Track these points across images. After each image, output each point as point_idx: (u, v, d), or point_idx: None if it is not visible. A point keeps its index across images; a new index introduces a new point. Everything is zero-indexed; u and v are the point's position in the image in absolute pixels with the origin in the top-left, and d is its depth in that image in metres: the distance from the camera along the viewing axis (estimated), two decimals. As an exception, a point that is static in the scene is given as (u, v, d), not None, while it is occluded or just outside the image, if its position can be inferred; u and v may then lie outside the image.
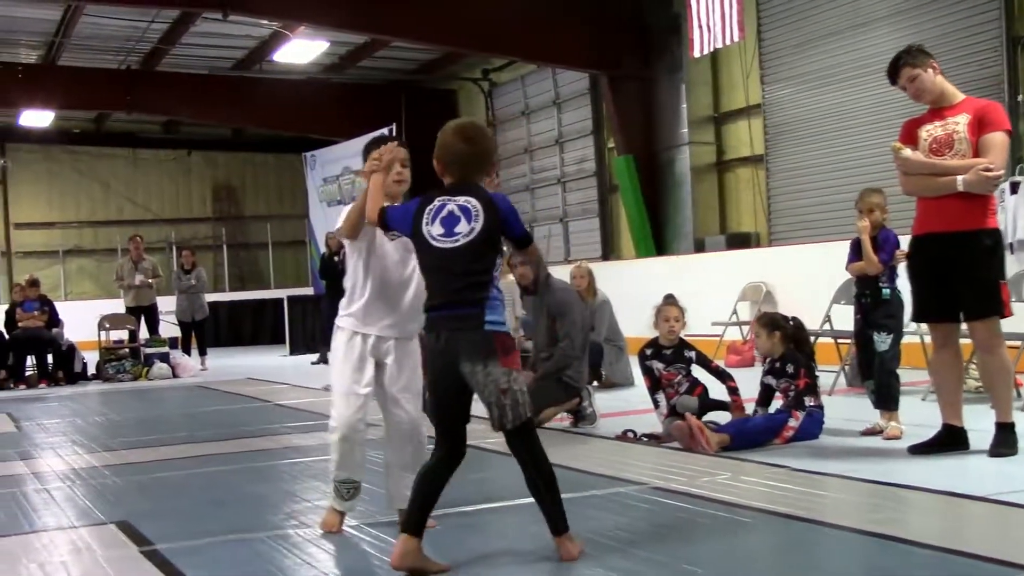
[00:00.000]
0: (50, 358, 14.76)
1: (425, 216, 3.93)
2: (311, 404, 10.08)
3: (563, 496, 5.15)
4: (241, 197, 26.63)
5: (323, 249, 18.62)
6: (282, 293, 21.09)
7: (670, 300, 7.31)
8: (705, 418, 6.59)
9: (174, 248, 23.64)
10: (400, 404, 4.55)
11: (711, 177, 16.03)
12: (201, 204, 26.38)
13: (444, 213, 3.92)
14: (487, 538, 4.68)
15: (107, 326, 15.78)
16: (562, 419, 7.77)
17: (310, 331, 18.13)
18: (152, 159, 25.84)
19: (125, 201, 25.53)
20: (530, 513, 5.01)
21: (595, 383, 9.33)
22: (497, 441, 7.07)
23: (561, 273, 8.51)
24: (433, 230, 3.89)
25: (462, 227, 3.88)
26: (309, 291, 21.38)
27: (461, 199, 3.93)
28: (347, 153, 21.42)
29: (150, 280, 15.88)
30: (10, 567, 4.30)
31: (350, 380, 4.51)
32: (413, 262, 4.34)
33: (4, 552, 4.62)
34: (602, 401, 8.12)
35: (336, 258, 16.47)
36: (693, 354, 6.96)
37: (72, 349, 14.83)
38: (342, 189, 21.68)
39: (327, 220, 21.69)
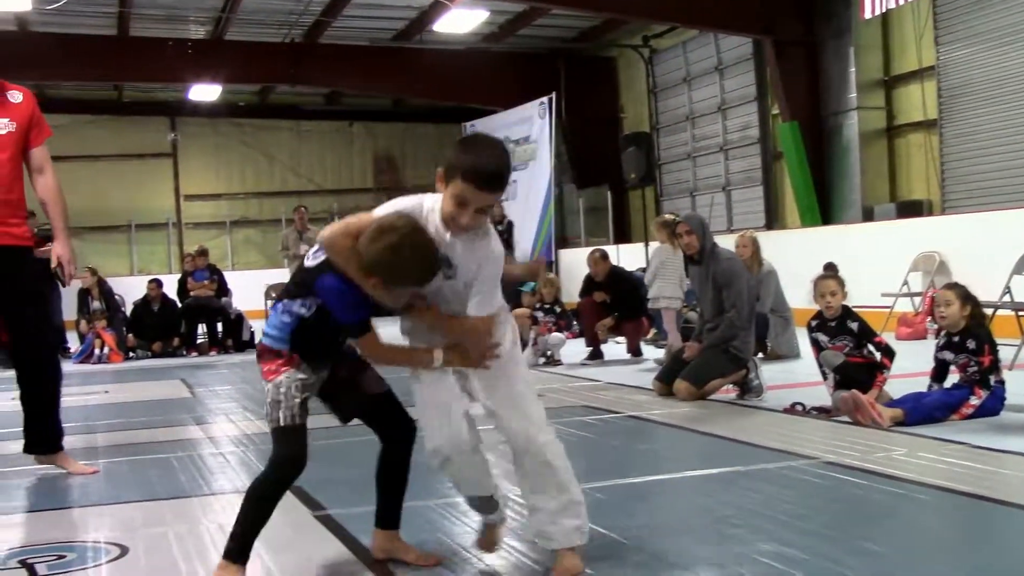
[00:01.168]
0: (220, 326, 15.20)
1: None
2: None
3: (733, 469, 5.09)
4: (402, 167, 26.98)
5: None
6: (443, 262, 21.31)
7: (826, 273, 7.09)
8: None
9: (336, 218, 24.03)
10: (499, 417, 3.60)
11: (880, 143, 15.54)
12: (362, 174, 26.81)
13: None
14: (653, 508, 4.61)
15: (273, 295, 16.15)
16: (728, 391, 7.64)
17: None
18: (315, 130, 26.34)
19: (289, 172, 26.11)
20: (696, 485, 4.95)
21: (760, 355, 9.13)
22: (663, 413, 7.04)
23: (724, 243, 8.33)
24: None
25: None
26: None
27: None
28: (507, 122, 21.48)
29: (315, 250, 16.17)
30: (191, 527, 4.42)
31: (432, 390, 3.57)
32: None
33: (185, 513, 4.75)
34: (768, 373, 7.95)
35: (499, 226, 16.54)
36: (856, 325, 6.72)
37: (240, 318, 15.23)
38: (501, 159, 21.78)
39: (487, 190, 21.84)
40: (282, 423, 3.45)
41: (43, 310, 5.82)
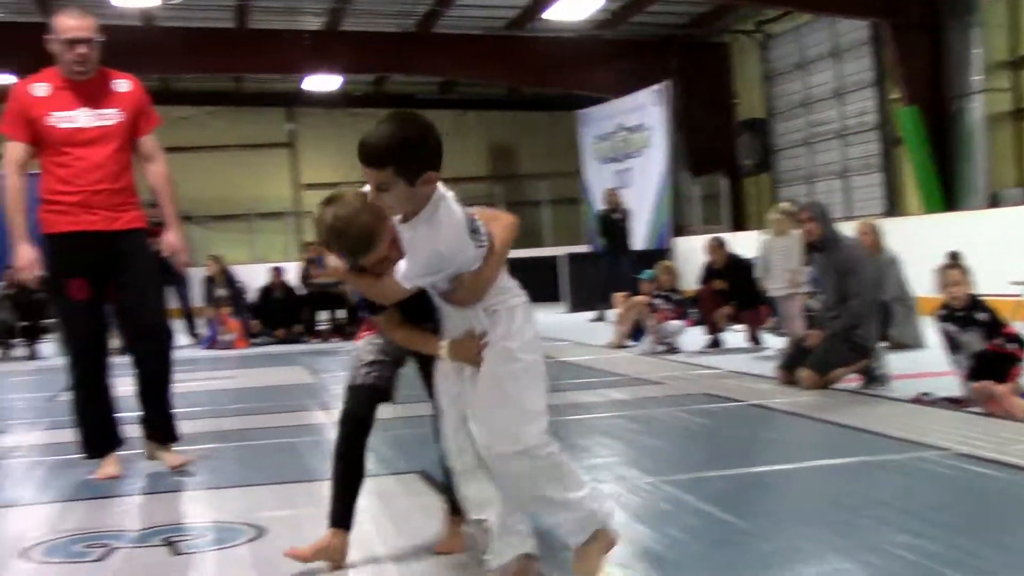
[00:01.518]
0: (341, 313, 15.44)
1: None
2: (593, 361, 10.17)
3: (859, 459, 5.04)
4: (516, 156, 27.07)
5: (599, 206, 18.71)
6: (558, 250, 21.31)
7: (949, 263, 6.93)
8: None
9: (452, 207, 24.21)
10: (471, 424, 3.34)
11: (1006, 126, 15.12)
12: (477, 163, 26.95)
13: None
14: (780, 498, 4.58)
15: (390, 283, 16.35)
16: (851, 380, 7.53)
17: (588, 288, 18.23)
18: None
19: (404, 162, 26.35)
20: (823, 475, 4.91)
21: (885, 344, 8.97)
22: (786, 401, 6.97)
23: (843, 230, 8.20)
24: None
25: None
26: (586, 248, 21.52)
27: None
28: (620, 110, 21.41)
29: (432, 238, 16.31)
30: (322, 509, 4.51)
31: (439, 392, 3.50)
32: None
33: (317, 496, 4.85)
34: (893, 362, 7.82)
35: (615, 214, 16.51)
36: (985, 316, 6.54)
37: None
38: (616, 146, 21.69)
39: (601, 177, 21.79)
40: (349, 382, 3.68)
41: (158, 296, 5.76)
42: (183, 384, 9.87)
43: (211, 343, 14.28)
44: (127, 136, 5.45)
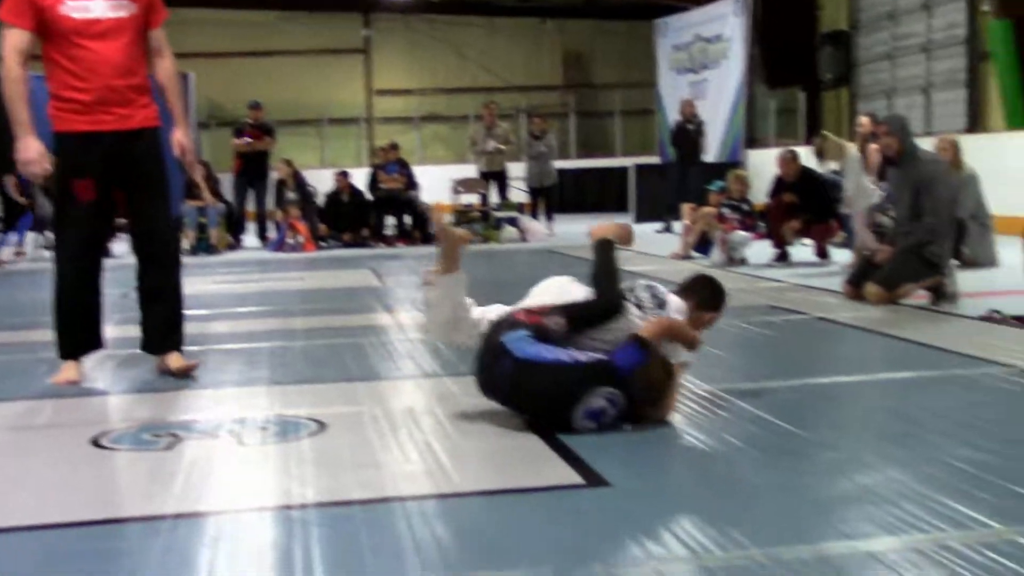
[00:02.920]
0: (408, 219, 15.51)
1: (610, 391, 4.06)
2: (658, 271, 10.09)
3: (924, 373, 4.99)
4: (591, 65, 26.76)
5: (673, 117, 18.49)
6: (628, 161, 21.14)
7: None
8: None
9: (524, 116, 24.10)
10: None
11: (1098, 42, 14.62)
12: (552, 72, 26.69)
13: (602, 406, 4.04)
14: (842, 409, 4.56)
15: (460, 190, 16.39)
16: (920, 296, 7.43)
17: (656, 199, 18.10)
18: (506, 27, 26.29)
19: (479, 69, 26.18)
20: (886, 388, 4.87)
21: (956, 261, 8.82)
22: (852, 315, 6.90)
23: (922, 147, 8.02)
24: (593, 401, 4.02)
25: (586, 421, 4.03)
26: (656, 159, 21.32)
27: (614, 409, 4.07)
28: (699, 19, 21.02)
29: (502, 146, 16.29)
30: (384, 407, 4.58)
31: None
32: None
33: (378, 394, 4.93)
34: (963, 280, 7.69)
35: (690, 125, 16.32)
36: None
37: (428, 211, 15.51)
38: (693, 56, 21.33)
39: (677, 88, 21.49)
40: None
41: (163, 196, 5.44)
42: (253, 284, 10.04)
43: (279, 246, 14.44)
44: (139, 30, 5.24)
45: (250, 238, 15.59)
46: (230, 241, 15.08)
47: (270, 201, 15.46)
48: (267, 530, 3.06)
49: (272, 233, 15.17)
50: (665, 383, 4.04)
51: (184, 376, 5.35)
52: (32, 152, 5.07)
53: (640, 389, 3.97)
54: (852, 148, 10.05)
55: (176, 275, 5.49)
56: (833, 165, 10.27)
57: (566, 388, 3.96)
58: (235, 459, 3.89)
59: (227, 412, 4.58)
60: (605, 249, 4.50)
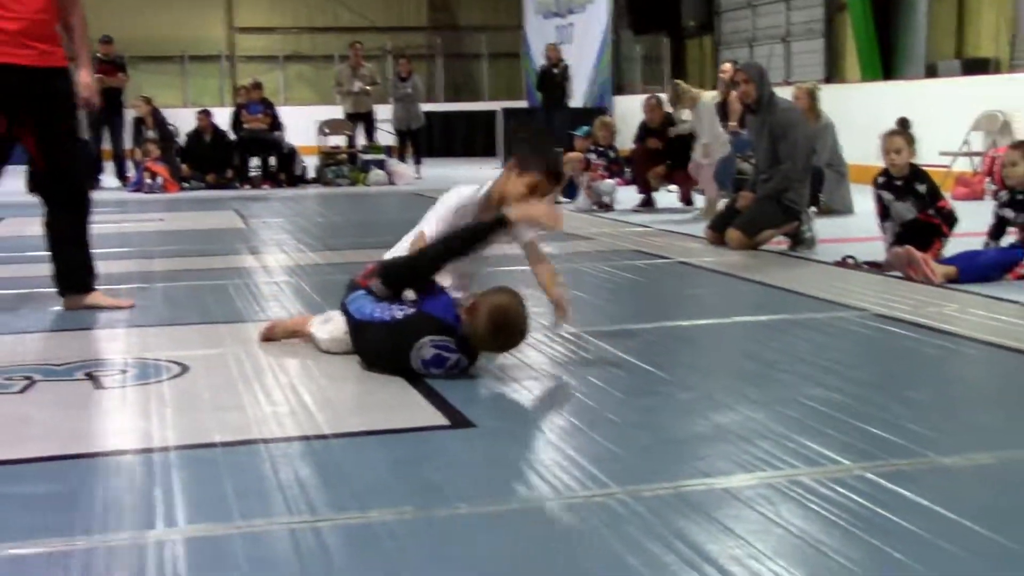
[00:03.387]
0: (272, 160, 15.25)
1: (438, 338, 3.99)
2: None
3: (781, 316, 5.14)
4: (456, 6, 26.58)
5: (540, 61, 18.50)
6: (496, 105, 21.13)
7: (896, 129, 6.97)
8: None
9: (390, 57, 23.86)
10: None
11: (949, -3, 15.08)
12: (417, 13, 26.45)
13: (446, 355, 3.97)
14: (700, 351, 4.66)
15: (326, 131, 16.17)
16: (779, 242, 7.62)
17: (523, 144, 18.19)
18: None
19: (342, 8, 25.79)
20: (744, 331, 5.00)
21: (813, 208, 9.07)
22: (713, 260, 7.06)
23: (781, 95, 8.20)
24: (425, 352, 3.97)
25: (435, 369, 3.98)
26: (524, 104, 21.34)
27: (462, 359, 4.00)
28: (565, -37, 21.04)
29: (368, 87, 16.11)
30: (248, 349, 4.53)
31: None
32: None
33: (242, 335, 4.87)
34: (821, 227, 7.91)
35: (555, 70, 16.36)
36: (924, 187, 6.62)
37: (293, 152, 15.27)
38: (559, 0, 21.35)
39: (543, 32, 21.50)
40: None
41: (75, 137, 5.59)
42: (111, 226, 9.77)
43: (138, 186, 14.06)
44: None
45: (109, 178, 15.15)
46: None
47: (128, 140, 15.03)
48: (128, 474, 3.01)
49: (132, 173, 14.76)
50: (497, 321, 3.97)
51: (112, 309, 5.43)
52: None
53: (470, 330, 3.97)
54: (706, 97, 10.23)
55: (87, 216, 5.56)
56: (686, 114, 10.45)
57: (391, 343, 4.00)
58: (92, 402, 3.81)
59: (84, 355, 4.48)
60: (490, 227, 4.27)
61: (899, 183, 6.64)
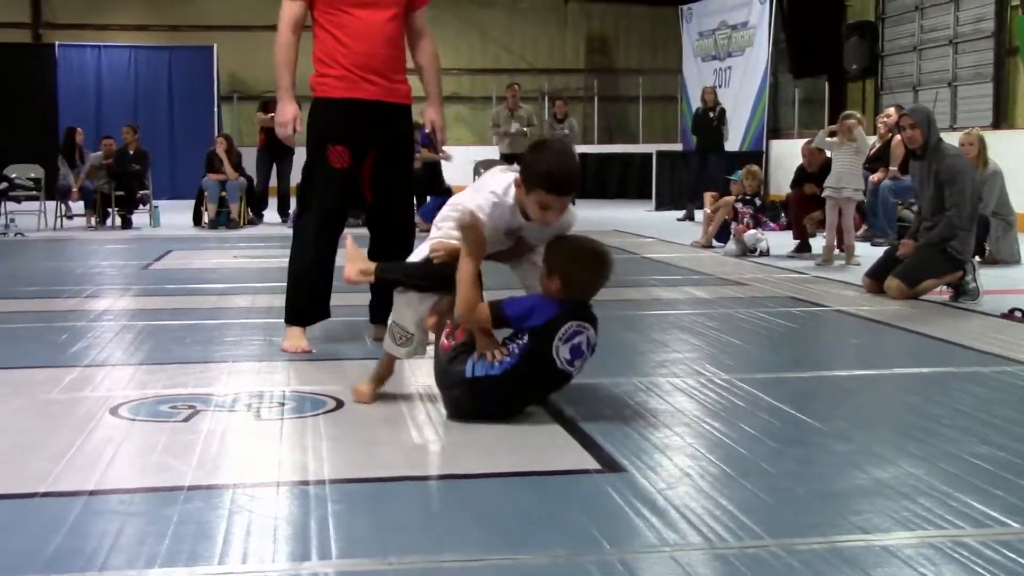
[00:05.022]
0: (428, 199, 15.45)
1: (560, 333, 3.88)
2: (678, 259, 10.11)
3: (944, 369, 4.98)
4: (614, 49, 26.67)
5: (696, 104, 18.42)
6: (650, 148, 21.08)
7: None
8: None
9: (547, 98, 24.05)
10: None
11: None
12: (575, 55, 26.63)
13: (576, 340, 3.91)
14: (858, 402, 4.53)
15: (481, 171, 16.35)
16: (941, 292, 7.40)
17: (677, 187, 18.09)
18: (529, 8, 26.23)
19: (501, 50, 26.13)
20: (904, 383, 4.85)
21: (978, 258, 8.80)
22: (872, 309, 6.88)
23: (947, 141, 7.98)
24: (563, 353, 3.90)
25: (580, 362, 3.96)
26: (678, 147, 21.25)
27: (588, 331, 3.96)
28: (725, 6, 20.92)
29: (525, 128, 16.27)
30: (402, 387, 4.59)
31: None
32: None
33: (398, 371, 4.93)
34: (985, 278, 7.66)
35: (711, 113, 16.27)
36: None
37: (449, 192, 15.46)
38: (718, 44, 21.24)
39: (701, 75, 21.40)
40: None
41: (409, 174, 5.71)
42: (273, 260, 10.04)
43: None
44: (403, 8, 5.39)
45: (271, 214, 15.60)
46: (251, 216, 15.11)
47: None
48: (284, 504, 3.07)
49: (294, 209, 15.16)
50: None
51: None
52: (287, 115, 5.31)
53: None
54: (860, 133, 10.00)
55: (409, 251, 5.56)
56: (833, 147, 10.18)
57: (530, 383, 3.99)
58: (252, 433, 3.91)
59: (246, 387, 4.60)
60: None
61: None
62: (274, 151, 15.20)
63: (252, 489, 3.20)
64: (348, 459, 3.51)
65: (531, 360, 3.90)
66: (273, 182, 15.55)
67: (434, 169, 14.54)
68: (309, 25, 5.39)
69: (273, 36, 5.37)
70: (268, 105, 15.37)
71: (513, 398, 3.98)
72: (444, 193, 14.37)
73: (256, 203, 15.36)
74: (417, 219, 11.56)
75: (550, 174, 3.89)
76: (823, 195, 9.88)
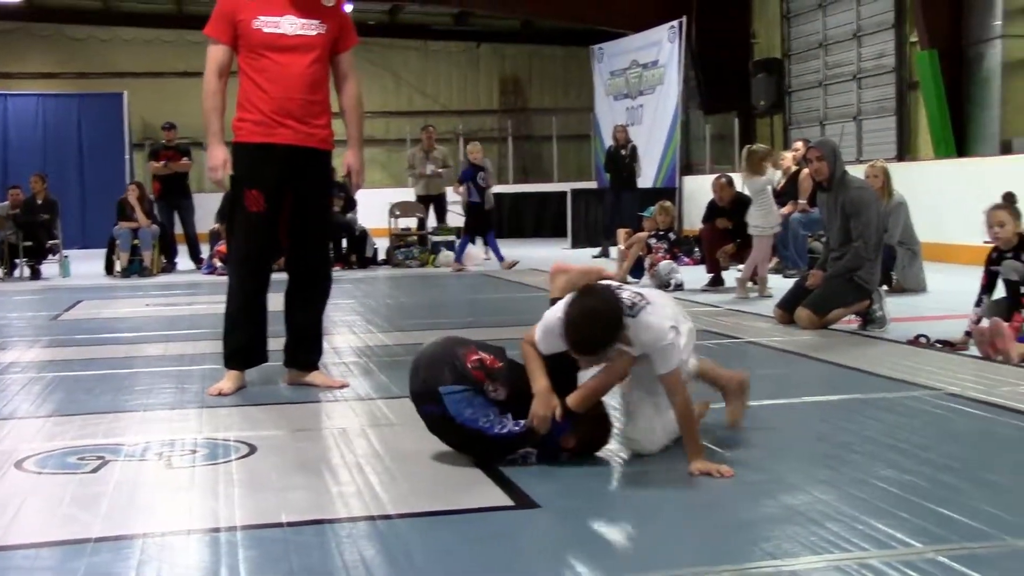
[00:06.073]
0: (344, 242, 15.42)
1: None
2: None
3: (852, 396, 5.07)
4: (527, 89, 26.91)
5: (609, 143, 18.62)
6: (565, 186, 21.25)
7: (999, 204, 6.86)
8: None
9: (461, 139, 24.18)
10: None
11: (1022, 74, 14.97)
12: (488, 96, 26.82)
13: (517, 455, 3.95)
14: (771, 432, 4.59)
15: (397, 213, 16.35)
16: (850, 321, 7.54)
17: (592, 224, 18.24)
18: (442, 51, 26.40)
19: (415, 92, 26.24)
20: (815, 411, 4.93)
21: (885, 287, 8.99)
22: (783, 340, 6.99)
23: (853, 173, 8.16)
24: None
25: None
26: (592, 184, 21.44)
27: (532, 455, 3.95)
28: (635, 46, 21.21)
29: (440, 170, 16.31)
30: (316, 430, 4.56)
31: None
32: None
33: (312, 414, 4.91)
34: (893, 306, 7.82)
35: (623, 151, 16.46)
36: None
37: (364, 235, 15.45)
38: (629, 82, 21.52)
39: (613, 113, 21.65)
40: None
41: (326, 219, 5.75)
42: (184, 307, 9.92)
43: (212, 270, 14.27)
44: (327, 50, 5.42)
45: (185, 260, 15.44)
46: (164, 264, 14.94)
47: (209, 222, 15.28)
48: (194, 553, 3.03)
49: (205, 256, 15.04)
50: (598, 432, 4.01)
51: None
52: (217, 160, 5.31)
53: (568, 448, 3.93)
54: (772, 171, 10.18)
55: (328, 296, 5.75)
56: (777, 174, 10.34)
57: (488, 451, 3.91)
58: (163, 482, 3.85)
59: (157, 435, 4.53)
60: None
61: (1009, 255, 6.48)
62: (171, 198, 15.10)
63: (162, 538, 3.16)
64: (260, 505, 3.47)
65: (502, 442, 3.91)
66: (178, 229, 15.40)
67: (478, 210, 14.57)
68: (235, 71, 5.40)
69: (185, 83, 5.40)
70: (159, 153, 15.27)
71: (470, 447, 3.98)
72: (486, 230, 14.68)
73: (168, 250, 15.20)
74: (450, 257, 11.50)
75: (567, 337, 3.77)
76: (749, 232, 9.99)
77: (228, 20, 5.29)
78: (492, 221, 15.19)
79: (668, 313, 3.97)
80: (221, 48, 5.32)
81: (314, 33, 5.33)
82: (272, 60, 5.27)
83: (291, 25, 5.28)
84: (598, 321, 3.71)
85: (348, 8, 19.29)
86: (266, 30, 5.26)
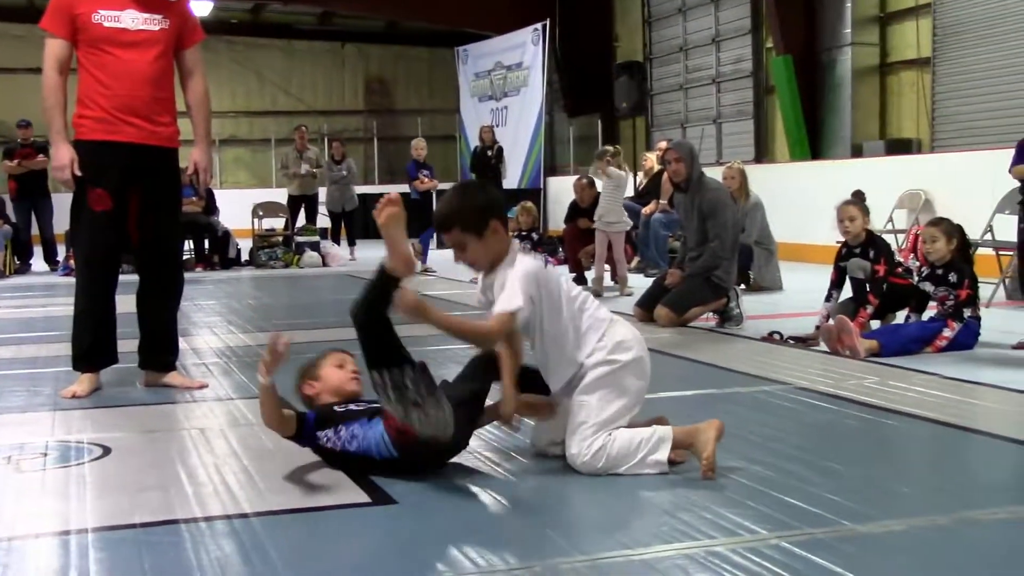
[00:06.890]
0: (206, 243, 15.20)
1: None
2: (461, 296, 10.20)
3: (707, 391, 5.20)
4: (393, 90, 26.85)
5: (474, 143, 18.70)
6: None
7: (848, 199, 7.14)
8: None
9: (326, 140, 23.97)
10: None
11: (873, 80, 15.51)
12: (353, 97, 26.68)
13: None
14: (629, 429, 4.69)
15: (260, 214, 16.17)
16: (708, 319, 7.73)
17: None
18: (307, 51, 26.16)
19: (280, 92, 25.95)
20: (670, 406, 5.04)
21: (743, 286, 9.23)
22: (644, 338, 7.10)
23: (712, 174, 8.37)
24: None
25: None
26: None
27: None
28: (500, 48, 21.36)
29: (315, 170, 16.20)
30: (174, 431, 4.50)
31: None
32: None
33: (167, 416, 4.84)
34: (749, 304, 8.04)
35: (489, 152, 16.54)
36: (874, 254, 6.71)
37: (227, 235, 15.24)
38: (494, 84, 21.65)
39: (478, 115, 21.75)
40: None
41: (175, 218, 5.60)
42: (39, 309, 9.65)
43: (68, 271, 13.89)
44: (170, 45, 5.30)
45: (39, 261, 15.01)
46: (17, 265, 14.50)
47: (66, 223, 14.88)
48: (43, 556, 2.96)
49: (61, 257, 14.64)
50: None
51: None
52: (63, 159, 5.15)
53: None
54: (617, 173, 10.37)
55: (180, 295, 5.60)
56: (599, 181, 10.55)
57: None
58: (11, 486, 3.75)
59: (5, 439, 4.41)
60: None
61: (858, 252, 6.74)
62: (29, 198, 14.65)
63: (9, 543, 3.08)
64: (113, 507, 3.41)
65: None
66: (35, 230, 14.95)
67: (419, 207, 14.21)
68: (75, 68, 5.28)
69: (39, 79, 5.22)
70: (13, 152, 14.80)
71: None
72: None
73: (23, 251, 14.75)
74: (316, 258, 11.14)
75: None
76: (595, 227, 10.17)
77: (66, 14, 5.15)
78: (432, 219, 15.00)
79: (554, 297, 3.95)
80: (59, 43, 5.17)
81: (157, 28, 5.24)
82: (114, 56, 5.16)
83: (133, 19, 5.19)
84: (468, 192, 3.91)
85: (206, 5, 18.99)
86: (107, 24, 5.15)
